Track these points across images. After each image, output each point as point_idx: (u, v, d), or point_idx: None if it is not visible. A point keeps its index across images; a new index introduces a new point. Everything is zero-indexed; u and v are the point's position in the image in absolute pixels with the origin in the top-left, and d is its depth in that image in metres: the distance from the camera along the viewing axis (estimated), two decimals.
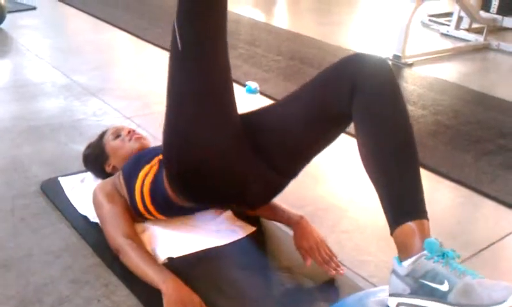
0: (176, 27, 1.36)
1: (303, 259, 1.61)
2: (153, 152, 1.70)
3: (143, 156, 1.70)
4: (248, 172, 1.48)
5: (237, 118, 1.48)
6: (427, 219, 1.21)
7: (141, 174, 1.63)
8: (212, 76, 1.40)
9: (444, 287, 1.07)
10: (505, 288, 1.01)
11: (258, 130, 1.49)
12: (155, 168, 1.62)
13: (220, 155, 1.44)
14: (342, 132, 1.49)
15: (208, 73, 1.39)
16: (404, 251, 1.17)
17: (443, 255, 1.11)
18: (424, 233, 1.17)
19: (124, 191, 1.67)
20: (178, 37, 1.35)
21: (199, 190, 1.53)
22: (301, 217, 1.68)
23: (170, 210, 1.67)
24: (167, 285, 1.41)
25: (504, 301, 0.99)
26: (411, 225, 1.18)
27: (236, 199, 1.58)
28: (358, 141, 1.34)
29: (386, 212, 1.25)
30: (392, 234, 1.22)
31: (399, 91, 1.33)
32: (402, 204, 1.23)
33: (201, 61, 1.37)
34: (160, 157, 1.61)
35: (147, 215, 1.68)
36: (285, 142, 1.47)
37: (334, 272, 1.57)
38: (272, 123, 1.49)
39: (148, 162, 1.66)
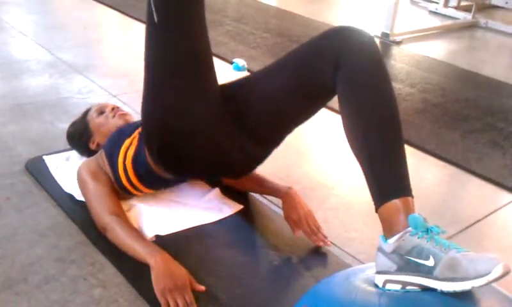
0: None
1: (292, 230, 1.63)
2: (133, 125, 1.68)
3: (122, 132, 1.69)
4: (228, 142, 1.47)
5: (217, 88, 1.47)
6: (412, 196, 1.21)
7: (123, 148, 1.62)
8: (190, 46, 1.39)
9: (430, 262, 1.07)
10: (490, 260, 1.01)
11: (240, 100, 1.48)
12: (136, 141, 1.61)
13: (200, 126, 1.43)
14: (325, 105, 1.48)
15: (185, 44, 1.38)
16: (389, 229, 1.17)
17: (428, 231, 1.12)
18: (409, 210, 1.17)
19: (107, 168, 1.66)
20: (153, 9, 1.34)
21: (180, 163, 1.53)
22: (290, 188, 1.70)
23: (155, 182, 1.66)
24: (155, 259, 1.41)
25: (489, 273, 0.99)
26: (396, 202, 1.18)
27: (218, 169, 1.58)
28: (341, 116, 1.33)
29: (370, 189, 1.25)
30: (376, 211, 1.22)
31: (385, 68, 1.32)
32: (387, 182, 1.22)
33: (178, 31, 1.37)
34: (140, 129, 1.60)
35: (133, 191, 1.66)
36: (265, 112, 1.47)
37: (321, 243, 1.61)
38: (254, 94, 1.48)
39: (128, 135, 1.64)
